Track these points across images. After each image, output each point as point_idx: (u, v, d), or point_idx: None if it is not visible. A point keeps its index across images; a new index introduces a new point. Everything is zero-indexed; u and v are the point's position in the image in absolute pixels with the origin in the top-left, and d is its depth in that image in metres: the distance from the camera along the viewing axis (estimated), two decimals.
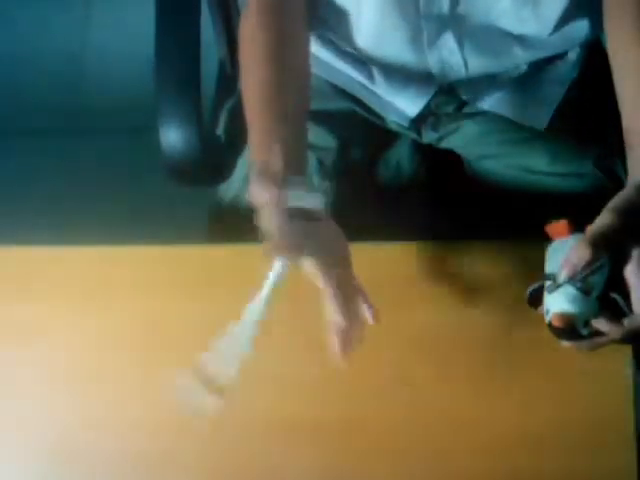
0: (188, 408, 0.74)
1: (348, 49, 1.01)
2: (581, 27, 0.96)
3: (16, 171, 1.90)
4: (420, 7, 0.91)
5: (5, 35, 2.11)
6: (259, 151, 0.82)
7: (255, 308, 0.76)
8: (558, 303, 0.73)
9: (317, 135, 1.04)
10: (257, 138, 0.84)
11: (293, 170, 0.79)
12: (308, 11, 0.92)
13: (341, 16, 0.95)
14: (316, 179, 1.03)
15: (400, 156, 1.07)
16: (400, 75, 1.01)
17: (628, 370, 0.80)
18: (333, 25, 0.98)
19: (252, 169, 0.80)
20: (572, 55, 1.02)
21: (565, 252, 0.74)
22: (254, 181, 0.78)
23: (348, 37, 0.98)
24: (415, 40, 0.95)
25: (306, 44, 0.92)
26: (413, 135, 1.07)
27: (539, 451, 0.79)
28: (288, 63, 0.88)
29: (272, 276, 0.76)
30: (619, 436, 0.78)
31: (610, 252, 0.72)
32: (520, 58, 0.99)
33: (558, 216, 0.77)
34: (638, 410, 0.79)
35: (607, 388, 0.80)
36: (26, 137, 1.99)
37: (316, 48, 1.02)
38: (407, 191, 1.07)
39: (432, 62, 0.98)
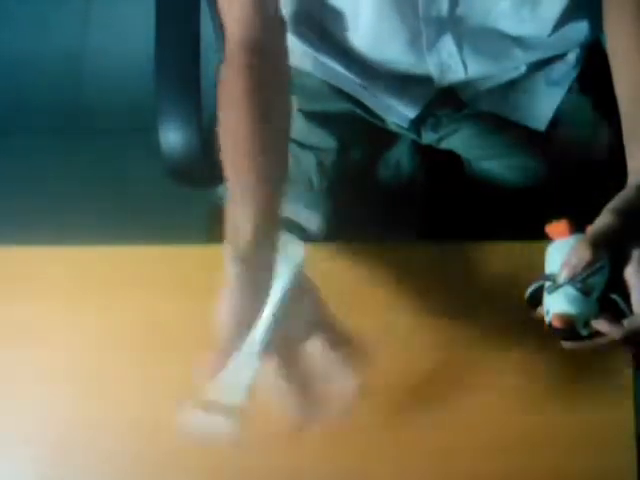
0: (205, 439, 0.72)
1: (347, 50, 1.01)
2: (580, 28, 0.96)
3: (16, 171, 1.90)
4: (419, 10, 0.91)
5: (5, 35, 2.11)
6: (232, 210, 0.79)
7: (257, 337, 0.73)
8: (558, 304, 0.73)
9: (317, 136, 1.04)
10: (231, 191, 0.81)
11: (262, 236, 0.77)
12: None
13: (338, 18, 0.95)
14: (316, 180, 1.03)
15: (400, 157, 1.07)
16: (400, 76, 1.01)
17: (628, 370, 0.80)
18: (331, 27, 0.98)
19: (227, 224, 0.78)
20: (572, 56, 1.02)
21: (565, 252, 0.74)
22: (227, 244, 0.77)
23: (346, 39, 0.98)
24: (414, 43, 0.95)
25: (287, 85, 0.89)
26: (413, 136, 1.07)
27: (539, 451, 0.79)
28: (269, 111, 0.84)
29: (273, 300, 0.74)
30: (619, 436, 0.78)
31: (610, 253, 0.72)
32: (519, 59, 0.99)
33: (558, 216, 0.77)
34: (638, 410, 0.79)
35: (607, 388, 0.80)
36: (26, 137, 1.99)
37: (316, 49, 1.02)
38: (407, 192, 1.07)
39: (431, 64, 0.98)
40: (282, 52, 0.88)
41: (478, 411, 0.81)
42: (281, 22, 0.89)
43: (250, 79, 0.84)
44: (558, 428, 0.80)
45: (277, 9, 0.88)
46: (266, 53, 0.86)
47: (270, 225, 0.78)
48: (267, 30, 0.87)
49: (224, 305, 0.74)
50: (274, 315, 0.73)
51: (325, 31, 1.00)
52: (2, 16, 2.12)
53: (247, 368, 0.73)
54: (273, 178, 0.81)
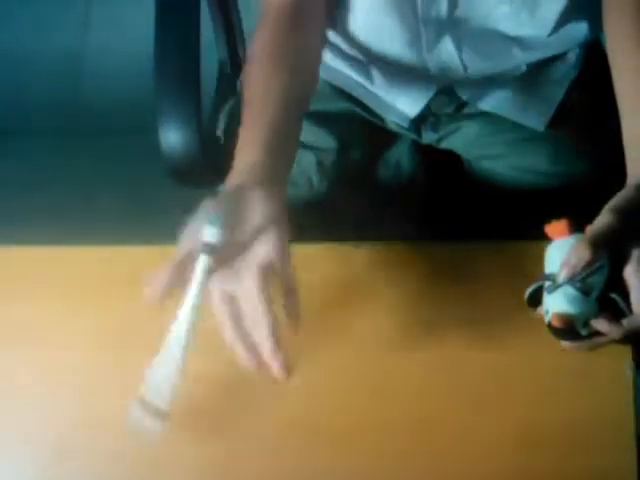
0: (141, 437, 0.75)
1: (348, 50, 1.01)
2: (580, 28, 0.96)
3: (16, 171, 1.90)
4: (418, 11, 0.91)
5: (5, 35, 2.11)
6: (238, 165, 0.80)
7: (179, 334, 0.75)
8: (557, 303, 0.73)
9: (317, 136, 1.04)
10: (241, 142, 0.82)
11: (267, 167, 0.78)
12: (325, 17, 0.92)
13: (338, 17, 0.95)
14: (316, 180, 1.03)
15: (400, 156, 1.07)
16: (400, 76, 1.01)
17: (628, 370, 0.80)
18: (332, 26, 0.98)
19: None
20: (572, 56, 1.02)
21: (565, 252, 0.74)
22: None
23: (346, 38, 0.98)
24: (414, 44, 0.95)
25: (319, 54, 0.92)
26: (413, 136, 1.07)
27: (539, 451, 0.79)
28: (297, 75, 0.86)
29: (194, 284, 0.75)
30: (619, 436, 0.78)
31: (610, 252, 0.72)
32: (519, 59, 0.99)
33: (558, 216, 0.77)
34: (638, 410, 0.79)
35: (607, 388, 0.80)
36: (26, 137, 1.99)
37: None
38: (407, 191, 1.07)
39: (431, 65, 0.98)
40: (318, 17, 0.90)
41: (478, 411, 0.81)
42: None
43: (283, 32, 0.87)
44: (558, 428, 0.80)
45: None
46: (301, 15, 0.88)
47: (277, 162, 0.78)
48: None
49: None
50: (193, 310, 0.75)
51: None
52: (2, 16, 2.13)
53: (171, 369, 0.75)
54: (285, 131, 0.81)
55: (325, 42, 0.93)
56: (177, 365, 0.75)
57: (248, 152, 0.78)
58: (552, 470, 0.79)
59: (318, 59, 0.91)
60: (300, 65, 0.87)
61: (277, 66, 0.85)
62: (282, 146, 0.80)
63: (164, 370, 0.75)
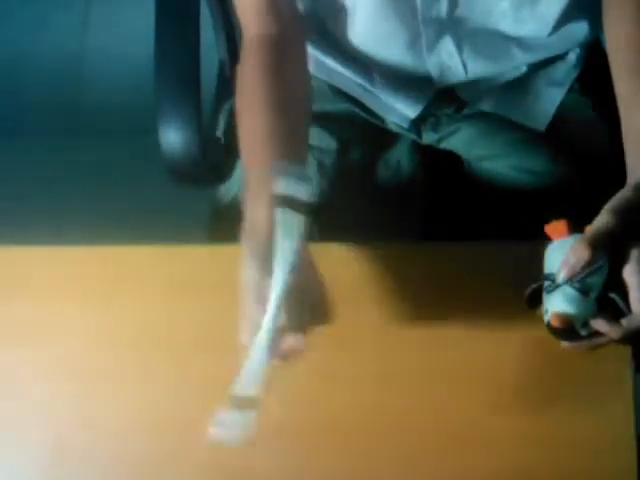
0: (231, 439, 0.72)
1: (348, 51, 1.01)
2: (580, 27, 0.96)
3: (16, 171, 1.90)
4: (418, 11, 0.91)
5: (5, 35, 2.11)
6: (249, 201, 0.77)
7: (265, 331, 0.72)
8: (557, 303, 0.73)
9: (317, 137, 1.04)
10: (249, 183, 0.80)
11: None
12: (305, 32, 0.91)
13: (338, 16, 0.95)
14: (316, 180, 1.03)
15: (400, 157, 1.07)
16: (400, 76, 1.01)
17: (628, 370, 0.80)
18: (331, 26, 0.98)
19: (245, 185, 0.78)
20: (572, 56, 1.02)
21: (564, 252, 0.74)
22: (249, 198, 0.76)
23: (346, 38, 0.98)
24: (414, 44, 0.95)
25: (306, 69, 0.91)
26: (413, 136, 1.07)
27: (539, 451, 0.79)
28: (289, 102, 0.85)
29: (278, 283, 0.72)
30: (619, 436, 0.78)
31: (609, 252, 0.72)
32: (519, 59, 0.99)
33: (558, 216, 0.77)
34: (638, 410, 0.79)
35: (607, 388, 0.80)
36: (26, 137, 1.99)
37: (316, 50, 1.02)
38: (407, 192, 1.07)
39: (431, 65, 0.98)
40: (300, 40, 0.89)
41: (478, 411, 0.81)
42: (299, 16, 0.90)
43: (267, 66, 0.85)
44: (558, 428, 0.80)
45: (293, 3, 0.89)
46: (283, 39, 0.87)
47: None
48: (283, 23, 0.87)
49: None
50: (278, 307, 0.72)
51: (325, 30, 1.00)
52: (2, 16, 2.13)
53: (259, 363, 0.72)
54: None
55: (309, 75, 0.92)
56: (265, 358, 0.72)
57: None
58: (552, 470, 0.79)
59: (306, 73, 0.90)
60: (290, 99, 0.86)
61: (268, 98, 0.84)
62: None
63: (257, 354, 0.72)
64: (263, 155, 0.80)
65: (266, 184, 0.73)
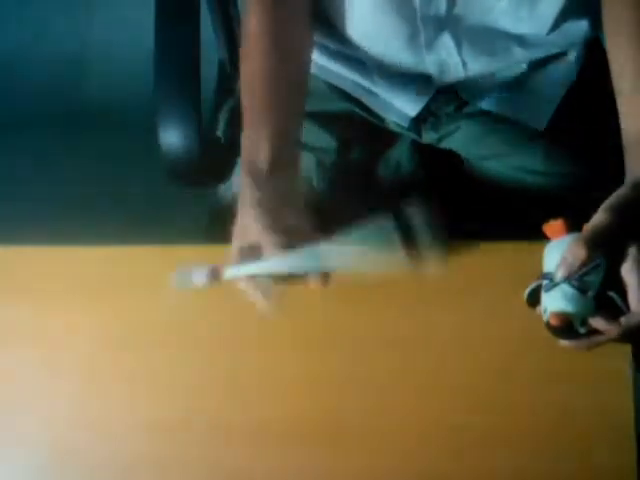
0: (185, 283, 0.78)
1: (347, 50, 1.01)
2: (580, 25, 0.96)
3: (16, 170, 1.90)
4: (417, 8, 0.91)
5: (5, 35, 2.11)
6: (248, 146, 0.83)
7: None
8: (555, 302, 0.73)
9: (317, 136, 1.04)
10: (248, 131, 0.85)
11: (279, 169, 0.81)
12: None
13: (337, 15, 0.95)
14: (316, 180, 1.03)
15: (400, 156, 1.07)
16: (399, 75, 1.01)
17: (628, 370, 0.80)
18: (331, 25, 0.98)
19: (240, 165, 0.81)
20: (572, 55, 1.02)
21: (562, 251, 0.74)
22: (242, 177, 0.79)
23: (346, 37, 0.98)
24: (413, 41, 0.95)
25: (309, 34, 0.93)
26: (413, 135, 1.07)
27: (539, 451, 0.79)
28: (291, 55, 0.89)
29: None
30: (619, 436, 0.78)
31: (606, 251, 0.72)
32: (519, 57, 0.99)
33: (557, 216, 0.78)
34: (638, 410, 0.79)
35: (607, 388, 0.80)
36: (26, 137, 1.99)
37: (316, 50, 1.02)
38: (407, 191, 1.07)
39: (430, 63, 0.98)
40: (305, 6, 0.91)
41: (477, 411, 0.81)
42: None
43: (271, 16, 0.88)
44: (558, 428, 0.80)
45: None
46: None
47: (287, 146, 0.78)
48: None
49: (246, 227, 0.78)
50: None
51: (325, 30, 1.00)
52: (2, 16, 2.13)
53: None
54: (290, 103, 0.84)
55: (311, 27, 0.95)
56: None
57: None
58: (552, 470, 0.79)
59: (308, 24, 0.94)
60: (295, 46, 0.91)
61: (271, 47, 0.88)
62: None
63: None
64: (262, 101, 0.85)
65: (266, 117, 0.82)
